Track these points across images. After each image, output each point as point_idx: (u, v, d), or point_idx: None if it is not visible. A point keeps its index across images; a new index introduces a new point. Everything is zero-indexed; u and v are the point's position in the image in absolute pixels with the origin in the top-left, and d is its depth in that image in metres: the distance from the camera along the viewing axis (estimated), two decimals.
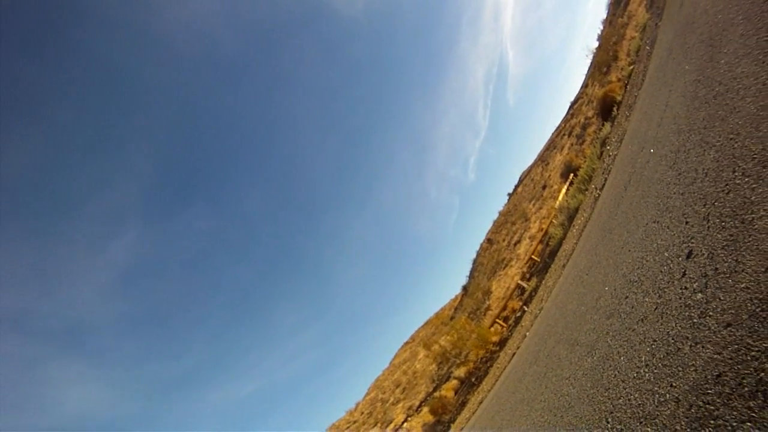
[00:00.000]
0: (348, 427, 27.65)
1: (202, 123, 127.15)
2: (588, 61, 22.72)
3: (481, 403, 10.39)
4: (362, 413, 28.00)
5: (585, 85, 23.51)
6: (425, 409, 16.28)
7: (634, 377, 2.95)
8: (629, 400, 2.84)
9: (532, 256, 15.60)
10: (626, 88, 12.00)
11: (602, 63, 17.55)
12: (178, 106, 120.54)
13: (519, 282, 15.20)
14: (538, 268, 13.96)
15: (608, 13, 21.13)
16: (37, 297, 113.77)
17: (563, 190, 16.44)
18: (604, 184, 9.62)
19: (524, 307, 12.37)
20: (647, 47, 10.94)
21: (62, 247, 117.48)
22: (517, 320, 12.22)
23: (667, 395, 2.47)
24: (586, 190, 11.73)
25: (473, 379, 13.12)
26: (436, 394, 16.18)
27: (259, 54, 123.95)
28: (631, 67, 12.27)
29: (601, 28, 21.06)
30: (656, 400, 2.54)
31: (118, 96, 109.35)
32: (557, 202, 16.25)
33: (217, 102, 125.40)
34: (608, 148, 11.07)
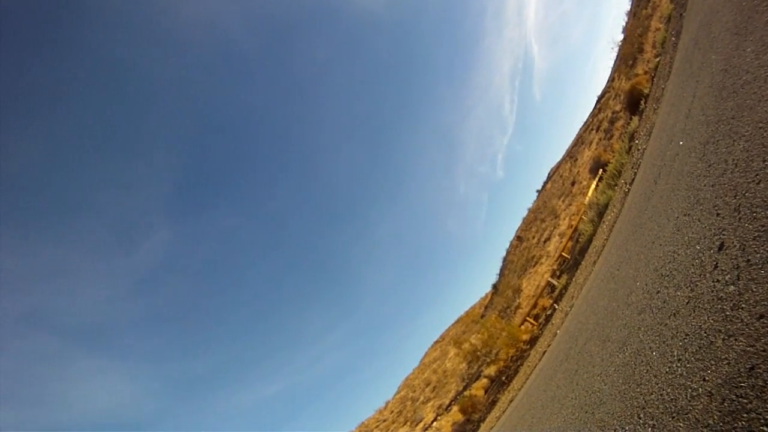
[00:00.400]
0: (377, 426, 27.76)
1: (224, 122, 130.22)
2: (614, 54, 22.24)
3: (511, 401, 10.31)
4: (392, 412, 28.08)
5: (611, 79, 22.99)
6: (455, 408, 16.23)
7: (667, 372, 2.93)
8: (661, 395, 2.82)
9: (562, 253, 15.38)
10: (653, 80, 11.71)
11: (628, 56, 17.16)
12: (200, 106, 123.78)
13: (549, 279, 15.00)
14: (569, 265, 13.76)
15: (632, 4, 20.62)
16: (61, 295, 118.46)
17: (592, 186, 16.18)
18: (633, 179, 9.42)
19: (555, 304, 12.20)
20: (673, 38, 10.65)
21: (86, 247, 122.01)
22: (548, 318, 12.06)
23: (700, 389, 2.45)
24: (616, 185, 11.51)
25: (504, 378, 13.01)
26: (466, 392, 16.11)
27: (280, 53, 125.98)
28: (657, 59, 11.96)
29: (626, 20, 20.58)
30: (689, 395, 2.52)
31: (140, 97, 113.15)
32: (587, 198, 15.99)
33: (239, 101, 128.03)
34: (637, 142, 10.83)
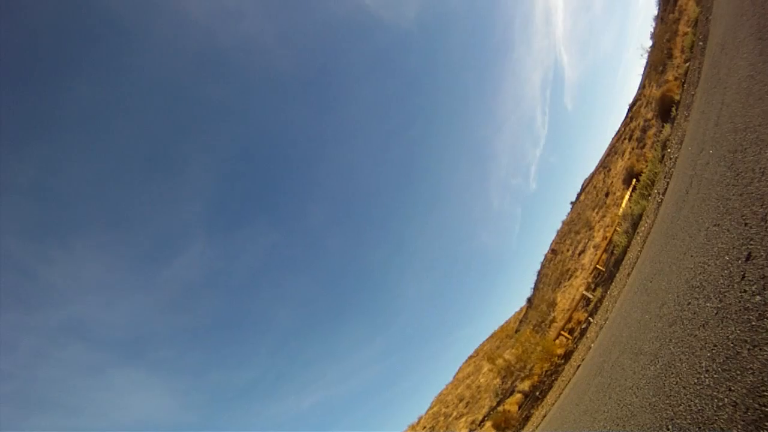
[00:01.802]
0: None
1: (261, 140, 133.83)
2: (643, 61, 21.79)
3: (544, 416, 10.09)
4: (424, 428, 27.77)
5: (642, 86, 22.52)
6: (488, 424, 15.94)
7: (695, 383, 2.92)
8: (689, 406, 2.82)
9: (597, 266, 15.06)
10: (683, 86, 11.48)
11: (657, 62, 16.83)
12: (238, 124, 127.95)
13: (584, 293, 14.68)
14: (603, 278, 13.46)
15: (659, 9, 20.23)
16: (103, 307, 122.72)
17: (626, 197, 15.83)
18: (666, 189, 9.23)
19: (589, 318, 11.94)
20: (700, 43, 10.45)
21: (128, 260, 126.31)
22: (583, 332, 11.80)
23: (726, 399, 2.46)
24: (649, 195, 11.27)
25: (537, 393, 12.74)
26: (500, 408, 15.82)
27: (313, 72, 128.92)
28: (687, 64, 11.72)
29: (654, 25, 20.20)
30: (715, 405, 2.52)
31: (180, 116, 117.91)
32: (620, 210, 15.64)
33: (275, 119, 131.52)
34: (669, 150, 10.61)
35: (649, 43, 20.17)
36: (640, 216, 11.25)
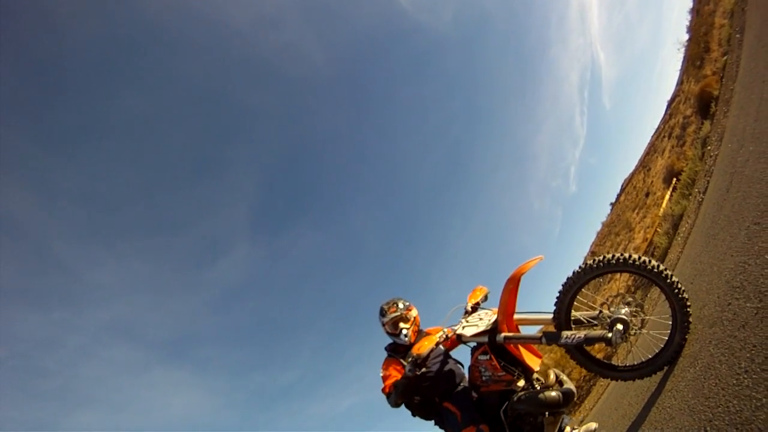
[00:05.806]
0: None
1: (304, 145, 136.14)
2: (680, 56, 21.08)
3: (581, 422, 9.85)
4: None
5: (680, 82, 21.76)
6: None
7: (734, 384, 2.88)
8: (728, 407, 2.78)
9: None
10: (722, 81, 11.09)
11: (695, 56, 16.27)
12: (281, 128, 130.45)
13: (624, 296, 14.29)
14: (644, 281, 13.07)
15: (694, 1, 19.61)
16: (148, 307, 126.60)
17: (666, 197, 15.37)
18: (706, 187, 8.94)
19: None
20: (737, 35, 10.10)
21: (174, 263, 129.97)
22: None
23: (764, 399, 2.43)
24: (690, 194, 10.92)
25: (575, 399, 12.45)
26: None
27: (355, 77, 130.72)
28: (725, 58, 11.30)
29: (689, 18, 19.56)
30: (753, 405, 2.49)
31: (225, 122, 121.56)
32: (661, 210, 15.20)
33: (317, 124, 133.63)
34: (709, 148, 10.26)
35: (686, 37, 19.55)
36: (681, 216, 10.92)
